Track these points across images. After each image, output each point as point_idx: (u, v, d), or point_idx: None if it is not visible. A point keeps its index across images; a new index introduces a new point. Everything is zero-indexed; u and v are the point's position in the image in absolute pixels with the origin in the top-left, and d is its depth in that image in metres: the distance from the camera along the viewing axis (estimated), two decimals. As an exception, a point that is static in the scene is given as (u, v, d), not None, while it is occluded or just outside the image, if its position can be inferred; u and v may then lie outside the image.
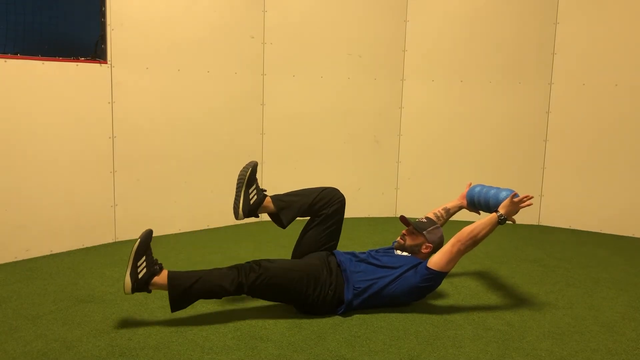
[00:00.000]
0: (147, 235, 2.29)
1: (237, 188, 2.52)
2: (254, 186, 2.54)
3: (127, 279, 2.24)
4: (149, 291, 2.30)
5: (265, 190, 2.59)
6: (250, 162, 2.56)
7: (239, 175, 2.53)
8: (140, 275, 2.25)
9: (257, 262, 2.38)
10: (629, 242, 3.88)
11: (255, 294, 2.38)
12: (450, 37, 4.23)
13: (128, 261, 2.26)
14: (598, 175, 4.09)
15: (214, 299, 2.45)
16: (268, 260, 2.41)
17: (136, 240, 2.27)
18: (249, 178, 2.52)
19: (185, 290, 2.29)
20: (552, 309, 2.63)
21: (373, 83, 4.26)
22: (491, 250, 3.51)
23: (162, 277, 2.29)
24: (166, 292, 2.32)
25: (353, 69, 4.19)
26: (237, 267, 2.36)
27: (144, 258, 2.26)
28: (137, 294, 2.48)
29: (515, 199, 2.48)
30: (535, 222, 4.30)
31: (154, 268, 2.28)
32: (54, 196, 3.22)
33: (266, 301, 2.53)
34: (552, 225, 4.27)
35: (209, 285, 2.31)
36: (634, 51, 3.91)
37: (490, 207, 2.67)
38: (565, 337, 2.33)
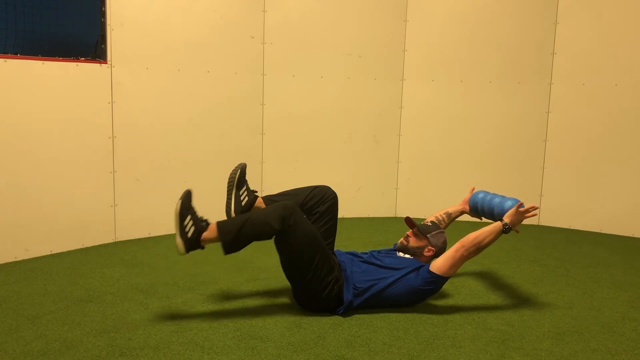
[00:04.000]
0: (187, 196, 2.32)
1: (227, 190, 2.52)
2: (244, 188, 2.54)
3: (178, 240, 2.27)
4: (202, 247, 2.32)
5: (256, 192, 2.60)
6: (239, 164, 2.55)
7: (228, 178, 2.52)
8: (189, 235, 2.27)
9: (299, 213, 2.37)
10: (629, 242, 3.88)
11: (288, 237, 2.34)
12: (450, 37, 4.23)
13: (175, 224, 2.27)
14: (598, 175, 4.09)
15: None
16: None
17: (177, 202, 2.28)
18: (238, 180, 2.51)
19: (235, 235, 2.29)
20: (552, 309, 2.63)
21: (373, 83, 4.26)
22: (491, 250, 3.50)
23: (210, 231, 2.30)
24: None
25: (353, 69, 4.19)
26: (283, 206, 2.34)
27: (189, 217, 2.28)
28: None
29: (521, 209, 2.49)
30: (535, 222, 4.30)
31: (201, 225, 2.30)
32: (54, 196, 3.22)
33: (264, 299, 2.53)
34: (552, 225, 4.27)
35: (257, 225, 2.30)
36: (634, 51, 3.91)
37: (494, 216, 2.67)
38: (565, 337, 2.33)
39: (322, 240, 2.45)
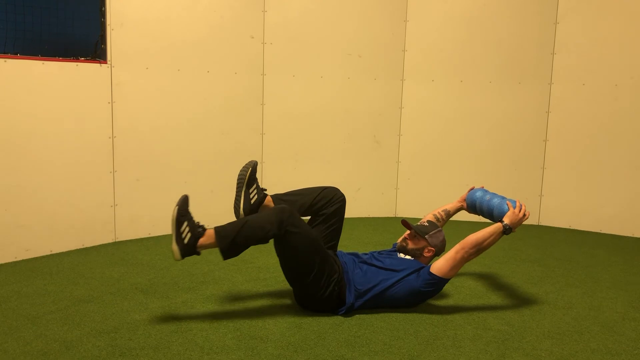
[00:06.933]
0: (184, 201, 2.29)
1: (237, 188, 2.51)
2: (254, 186, 2.54)
3: (174, 246, 2.24)
4: (198, 253, 2.29)
5: (266, 190, 2.59)
6: (250, 162, 2.55)
7: (239, 175, 2.52)
8: (185, 241, 2.25)
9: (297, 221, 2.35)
10: (628, 242, 3.88)
11: (287, 241, 2.32)
12: (450, 37, 4.23)
13: (172, 230, 2.25)
14: (598, 175, 4.09)
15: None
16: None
17: (174, 208, 2.26)
18: (249, 178, 2.51)
19: (232, 240, 2.28)
20: (552, 309, 2.63)
21: (373, 83, 4.26)
22: (491, 250, 3.48)
23: (207, 237, 2.28)
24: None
25: (353, 69, 4.19)
26: (280, 210, 2.33)
27: (185, 224, 2.26)
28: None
29: (519, 212, 2.53)
30: (535, 222, 4.30)
31: (197, 231, 2.28)
32: (54, 196, 3.22)
33: (264, 299, 2.54)
34: (552, 225, 4.27)
35: (254, 229, 2.29)
36: (634, 51, 3.91)
37: (493, 217, 2.67)
38: (565, 337, 2.33)
39: (321, 242, 2.44)
